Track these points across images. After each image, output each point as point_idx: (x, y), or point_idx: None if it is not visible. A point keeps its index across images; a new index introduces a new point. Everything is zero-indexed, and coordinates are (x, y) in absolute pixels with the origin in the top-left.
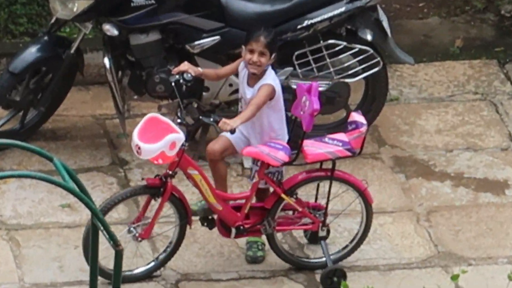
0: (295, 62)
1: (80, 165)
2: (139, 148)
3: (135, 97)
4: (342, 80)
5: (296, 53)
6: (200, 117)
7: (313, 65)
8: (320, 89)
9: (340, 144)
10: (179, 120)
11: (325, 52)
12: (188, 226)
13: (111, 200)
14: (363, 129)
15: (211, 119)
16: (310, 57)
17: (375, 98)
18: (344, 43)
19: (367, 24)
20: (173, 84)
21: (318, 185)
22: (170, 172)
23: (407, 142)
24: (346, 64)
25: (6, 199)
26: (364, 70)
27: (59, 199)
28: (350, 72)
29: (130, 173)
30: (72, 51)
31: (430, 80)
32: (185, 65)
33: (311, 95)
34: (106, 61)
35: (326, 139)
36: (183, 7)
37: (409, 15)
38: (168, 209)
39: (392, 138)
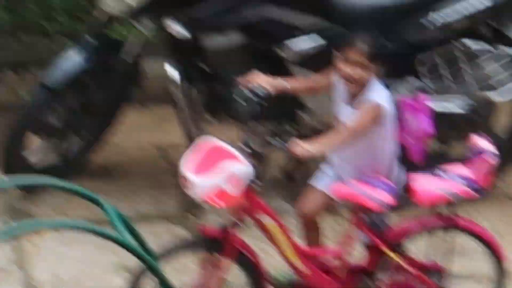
0: (422, 71)
1: (138, 212)
2: (186, 181)
3: (213, 121)
4: (484, 94)
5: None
6: (269, 139)
7: (446, 75)
8: (453, 109)
9: (461, 180)
10: (246, 149)
11: (462, 58)
12: None
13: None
14: (489, 158)
15: (279, 142)
16: (443, 66)
17: None
18: (488, 47)
19: None
20: (236, 99)
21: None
22: (236, 220)
23: None
24: (490, 74)
25: (41, 258)
26: None
27: (111, 257)
28: (495, 84)
29: (205, 222)
30: (129, 58)
31: None
32: (258, 76)
33: (420, 114)
34: (173, 71)
35: (440, 173)
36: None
37: None
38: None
39: None
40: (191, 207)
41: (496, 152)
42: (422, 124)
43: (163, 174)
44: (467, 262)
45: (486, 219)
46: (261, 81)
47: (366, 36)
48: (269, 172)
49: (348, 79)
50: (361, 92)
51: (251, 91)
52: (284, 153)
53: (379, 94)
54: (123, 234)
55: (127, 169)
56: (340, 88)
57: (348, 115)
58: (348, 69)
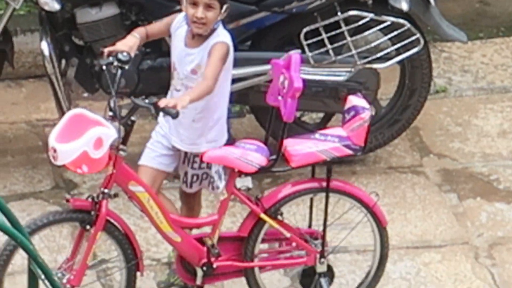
0: (304, 43)
1: (11, 190)
2: (54, 151)
3: (85, 94)
4: (368, 65)
5: (305, 30)
6: (132, 99)
7: (329, 46)
8: (340, 78)
9: (336, 139)
10: (110, 113)
11: (344, 28)
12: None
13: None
14: (365, 115)
15: (146, 101)
16: (325, 35)
17: (414, 90)
18: (371, 15)
19: None
20: (104, 68)
21: (311, 202)
22: (104, 190)
23: (460, 149)
24: (373, 44)
25: None
26: (398, 51)
27: None
28: (379, 54)
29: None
30: None
31: (490, 63)
32: (122, 44)
33: (291, 71)
34: (44, 46)
35: (317, 135)
36: None
37: None
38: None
39: (439, 144)
40: (65, 184)
41: (371, 109)
42: (292, 80)
43: (36, 151)
44: (347, 231)
45: (371, 191)
46: (121, 46)
47: None
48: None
49: (197, 22)
50: (207, 37)
51: (114, 57)
52: (151, 113)
53: (224, 34)
54: None
55: None
56: (179, 33)
57: (194, 60)
58: (198, 12)
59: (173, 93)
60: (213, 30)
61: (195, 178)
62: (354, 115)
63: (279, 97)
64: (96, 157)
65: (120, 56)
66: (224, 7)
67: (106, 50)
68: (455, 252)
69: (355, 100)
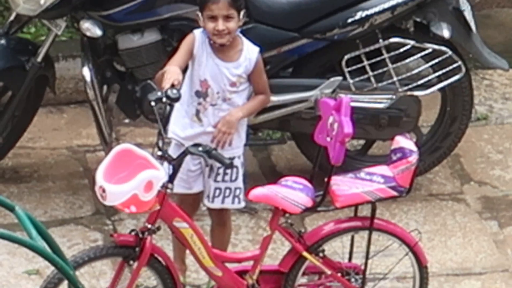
0: (346, 70)
1: (52, 216)
2: (103, 190)
3: (127, 120)
4: (410, 93)
5: (346, 57)
6: (187, 148)
7: (370, 73)
8: (381, 105)
9: (382, 180)
10: (159, 153)
11: (386, 55)
12: None
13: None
14: (413, 158)
15: (199, 149)
16: (366, 62)
17: (455, 118)
18: (412, 42)
19: (443, 15)
20: (152, 104)
21: (352, 239)
22: (149, 226)
23: (500, 177)
24: (415, 71)
25: None
26: (440, 79)
27: (23, 263)
28: (420, 82)
29: (120, 225)
30: (39, 59)
31: None
32: (175, 73)
33: (341, 115)
34: (86, 71)
35: (362, 174)
36: None
37: (501, 2)
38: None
39: (480, 172)
40: (105, 210)
41: (418, 152)
42: (342, 125)
43: (77, 177)
44: (389, 262)
45: (412, 218)
46: (172, 79)
47: None
48: None
49: (219, 34)
50: (235, 45)
51: (164, 93)
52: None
53: (250, 43)
54: (36, 240)
55: (40, 172)
56: (205, 49)
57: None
58: (218, 25)
59: (206, 112)
60: (237, 38)
61: (217, 192)
62: (401, 157)
63: (328, 138)
64: (146, 199)
65: (169, 93)
66: (242, 13)
67: (163, 82)
68: (495, 280)
69: (402, 142)
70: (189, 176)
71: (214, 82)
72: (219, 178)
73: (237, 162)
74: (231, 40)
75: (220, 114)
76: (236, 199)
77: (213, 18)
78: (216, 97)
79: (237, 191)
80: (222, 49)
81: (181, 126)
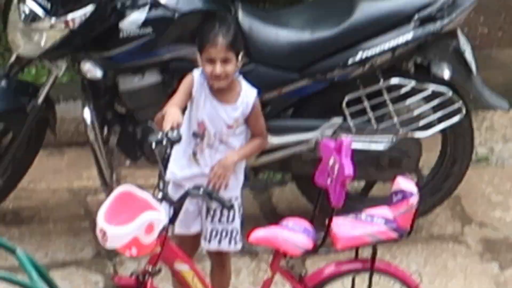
0: (346, 111)
1: (53, 258)
2: (104, 234)
3: (128, 162)
4: (410, 134)
5: (347, 98)
6: (188, 190)
7: (371, 115)
8: (381, 146)
9: (382, 222)
10: (160, 195)
11: (386, 97)
12: None
13: None
14: (413, 200)
15: (200, 190)
16: (367, 104)
17: (456, 159)
18: (413, 83)
19: (443, 56)
20: (153, 146)
21: (353, 281)
22: (150, 269)
23: (501, 218)
24: (415, 113)
25: None
26: (440, 120)
27: None
28: (421, 123)
29: (121, 268)
30: (40, 101)
31: None
32: (175, 115)
33: (342, 156)
34: (87, 113)
35: (363, 216)
36: (191, 38)
37: (501, 43)
38: None
39: (481, 213)
40: (106, 252)
41: (418, 194)
42: (343, 167)
43: (78, 219)
44: None
45: (413, 260)
46: (173, 121)
47: (222, 27)
48: None
49: (217, 77)
50: (233, 88)
51: (165, 135)
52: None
53: (251, 86)
54: (37, 282)
55: (41, 214)
56: (202, 91)
57: (219, 113)
58: (216, 69)
59: (203, 153)
60: (235, 81)
61: (214, 233)
62: (402, 199)
63: (329, 180)
64: (147, 242)
65: (170, 135)
66: (240, 55)
67: (164, 124)
68: None
69: (403, 183)
70: (187, 217)
71: (211, 124)
72: (216, 219)
73: (235, 204)
74: (229, 83)
75: (217, 155)
76: (233, 241)
77: (211, 61)
78: (213, 139)
79: (234, 233)
80: (220, 91)
81: (179, 166)
